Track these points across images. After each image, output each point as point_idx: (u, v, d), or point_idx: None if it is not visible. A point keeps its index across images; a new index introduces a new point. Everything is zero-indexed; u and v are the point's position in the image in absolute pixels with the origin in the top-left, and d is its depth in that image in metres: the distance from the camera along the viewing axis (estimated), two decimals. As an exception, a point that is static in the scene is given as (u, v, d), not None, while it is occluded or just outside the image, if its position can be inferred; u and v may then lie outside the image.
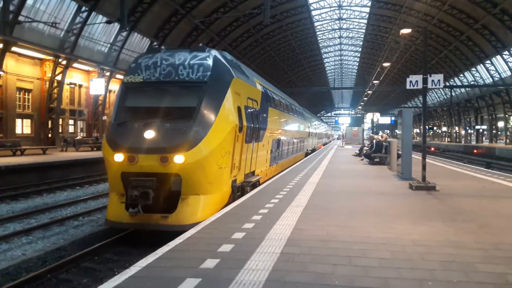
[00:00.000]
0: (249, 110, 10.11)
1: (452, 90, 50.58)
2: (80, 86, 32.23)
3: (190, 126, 7.75)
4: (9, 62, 24.60)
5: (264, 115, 12.23)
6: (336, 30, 59.55)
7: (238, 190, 9.36)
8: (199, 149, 7.61)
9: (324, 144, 48.78)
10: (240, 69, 10.79)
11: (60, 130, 29.93)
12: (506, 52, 39.91)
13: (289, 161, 19.09)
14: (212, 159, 7.87)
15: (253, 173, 11.22)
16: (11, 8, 22.40)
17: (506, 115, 47.55)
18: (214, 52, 9.00)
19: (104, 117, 32.53)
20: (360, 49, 67.55)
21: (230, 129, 8.42)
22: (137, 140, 7.66)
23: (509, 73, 41.70)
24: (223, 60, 9.11)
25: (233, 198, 8.90)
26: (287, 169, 15.37)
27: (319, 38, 60.45)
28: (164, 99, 8.35)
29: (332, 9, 51.49)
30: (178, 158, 7.45)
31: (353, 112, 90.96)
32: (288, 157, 18.63)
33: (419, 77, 10.61)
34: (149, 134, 7.65)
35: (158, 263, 4.33)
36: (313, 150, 32.41)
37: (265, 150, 12.61)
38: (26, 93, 27.41)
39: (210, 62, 8.57)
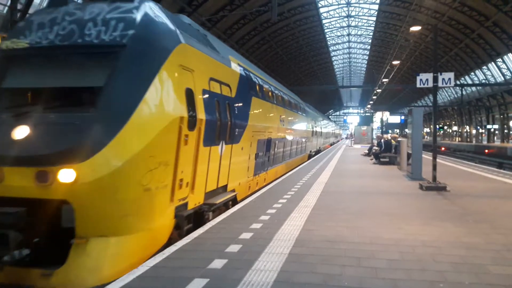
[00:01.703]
0: (212, 97, 6.88)
1: (463, 89, 50.01)
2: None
3: (89, 119, 4.76)
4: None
5: (244, 107, 8.98)
6: (345, 28, 59.16)
7: (189, 221, 6.16)
8: (103, 159, 4.61)
9: (331, 144, 46.67)
10: (205, 39, 7.70)
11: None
12: (518, 50, 39.41)
13: (286, 166, 15.61)
14: (129, 175, 4.81)
15: (224, 188, 7.94)
16: (19, 7, 22.62)
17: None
18: (148, 3, 5.77)
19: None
20: (369, 47, 67.07)
21: (168, 125, 5.27)
22: (1, 144, 4.73)
23: (521, 71, 41.17)
24: (162, 16, 5.90)
25: (179, 234, 5.81)
26: (283, 176, 12.99)
27: (327, 36, 60.10)
28: (55, 74, 5.39)
29: (340, 6, 51.17)
30: (66, 174, 4.50)
31: (362, 111, 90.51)
32: (285, 161, 15.17)
33: (429, 75, 10.49)
34: (21, 133, 4.70)
35: (166, 263, 4.33)
36: (318, 152, 29.21)
37: (246, 154, 9.30)
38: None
39: (137, 16, 5.44)
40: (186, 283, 3.73)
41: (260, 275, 3.95)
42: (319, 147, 31.27)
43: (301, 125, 19.82)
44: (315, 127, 26.80)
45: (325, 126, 38.95)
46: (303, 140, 20.66)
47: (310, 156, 24.03)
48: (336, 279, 3.87)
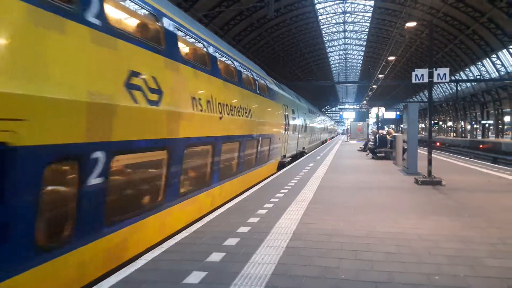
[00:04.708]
0: None
1: (458, 85, 50.30)
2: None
3: None
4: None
5: None
6: (341, 24, 59.23)
7: None
8: None
9: (323, 142, 41.28)
10: None
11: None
12: (513, 46, 39.63)
13: (207, 199, 7.35)
14: None
15: None
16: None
17: (512, 110, 47.32)
18: None
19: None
20: (364, 43, 67.20)
21: None
22: None
23: (515, 67, 41.44)
24: None
25: None
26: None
27: (323, 32, 60.14)
28: None
29: (336, 2, 51.20)
30: None
31: (358, 107, 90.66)
32: (200, 191, 7.04)
33: (424, 71, 10.53)
34: None
35: (165, 256, 4.35)
36: (300, 154, 21.01)
37: None
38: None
39: None
40: (184, 276, 3.76)
41: (258, 268, 3.98)
42: (303, 148, 22.39)
43: (262, 115, 11.65)
44: (296, 119, 18.52)
45: (314, 119, 29.90)
46: (268, 139, 12.31)
47: (282, 165, 15.06)
48: (333, 271, 3.91)
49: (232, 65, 9.31)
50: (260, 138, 11.29)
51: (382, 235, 5.17)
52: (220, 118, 7.55)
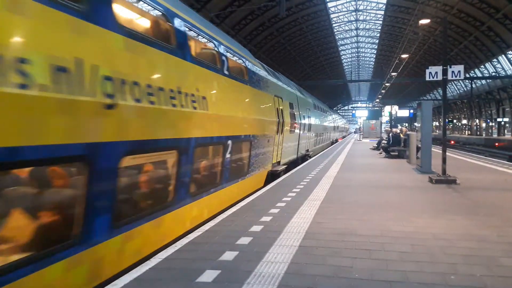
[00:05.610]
0: None
1: (473, 82, 49.54)
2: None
3: None
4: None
5: None
6: (353, 22, 58.82)
7: None
8: None
9: (333, 142, 37.60)
10: None
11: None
12: (529, 42, 38.92)
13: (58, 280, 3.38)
14: None
15: None
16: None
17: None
18: None
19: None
20: (377, 41, 66.61)
21: None
22: None
23: (532, 63, 40.67)
24: None
25: None
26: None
27: (335, 30, 59.80)
28: None
29: (348, 0, 50.89)
30: None
31: (370, 105, 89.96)
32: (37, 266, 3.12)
33: (438, 69, 10.41)
34: None
35: (178, 255, 4.38)
36: (301, 159, 17.57)
37: None
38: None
39: None
40: (198, 275, 3.78)
41: (271, 267, 3.98)
42: (306, 150, 19.05)
43: (235, 107, 8.14)
44: (296, 115, 15.53)
45: (321, 116, 25.74)
46: (247, 142, 9.04)
47: (272, 177, 11.32)
48: (346, 271, 3.88)
49: (163, 18, 5.61)
50: (230, 142, 7.63)
51: (396, 234, 5.13)
52: (110, 107, 3.93)
